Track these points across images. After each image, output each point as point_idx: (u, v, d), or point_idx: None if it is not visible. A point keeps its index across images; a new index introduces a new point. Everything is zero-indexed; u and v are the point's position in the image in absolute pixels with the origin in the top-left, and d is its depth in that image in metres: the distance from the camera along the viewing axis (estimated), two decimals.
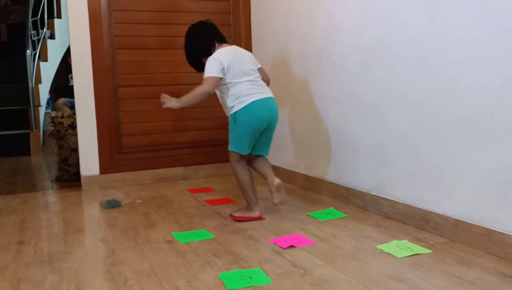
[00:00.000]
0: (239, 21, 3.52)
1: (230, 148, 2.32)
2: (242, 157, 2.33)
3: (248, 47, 3.56)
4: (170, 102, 2.30)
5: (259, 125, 2.28)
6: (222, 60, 2.26)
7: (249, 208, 2.37)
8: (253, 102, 2.25)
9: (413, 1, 2.08)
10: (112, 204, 2.67)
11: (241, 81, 2.27)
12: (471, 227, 1.88)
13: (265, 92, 2.32)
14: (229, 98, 2.29)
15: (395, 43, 2.20)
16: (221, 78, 2.26)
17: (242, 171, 2.34)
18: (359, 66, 2.45)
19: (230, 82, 2.28)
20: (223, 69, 2.25)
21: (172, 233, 2.17)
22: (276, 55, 3.24)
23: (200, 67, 2.39)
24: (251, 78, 2.30)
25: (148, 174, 3.33)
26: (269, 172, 2.37)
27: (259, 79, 2.35)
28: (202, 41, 2.40)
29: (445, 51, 1.95)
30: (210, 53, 2.33)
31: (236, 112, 2.27)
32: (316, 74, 2.82)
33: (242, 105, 2.25)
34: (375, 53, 2.33)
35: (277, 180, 2.30)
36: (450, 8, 1.91)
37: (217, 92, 2.37)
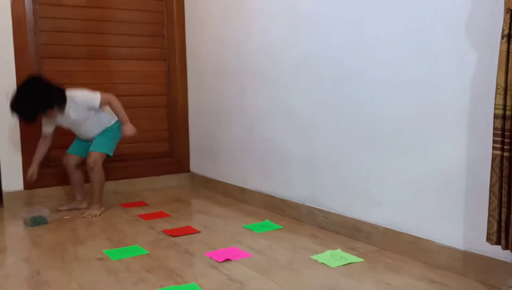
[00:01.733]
0: (173, 33, 3.48)
1: (105, 150, 2.76)
2: None
3: (182, 59, 3.53)
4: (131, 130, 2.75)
5: None
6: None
7: (98, 204, 2.80)
8: None
9: (342, 19, 2.16)
10: (37, 221, 2.52)
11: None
12: (399, 235, 1.96)
13: None
14: (106, 114, 2.78)
15: (325, 58, 2.27)
16: None
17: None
18: (291, 80, 2.50)
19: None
20: None
21: (103, 250, 2.08)
22: (211, 68, 3.23)
23: (37, 118, 2.61)
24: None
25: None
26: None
27: None
28: (53, 89, 2.60)
29: (370, 66, 2.04)
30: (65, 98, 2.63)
31: (116, 121, 2.78)
32: (250, 88, 2.84)
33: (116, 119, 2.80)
34: (306, 68, 2.39)
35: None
36: (375, 27, 2.00)
37: (90, 113, 2.70)
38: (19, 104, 2.49)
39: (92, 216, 2.69)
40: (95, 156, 2.73)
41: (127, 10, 3.30)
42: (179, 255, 2.01)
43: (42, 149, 2.78)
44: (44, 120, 2.75)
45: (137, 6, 3.33)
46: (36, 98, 2.52)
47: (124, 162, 3.34)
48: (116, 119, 2.78)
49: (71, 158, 2.86)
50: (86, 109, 2.67)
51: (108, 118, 2.79)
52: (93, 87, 3.20)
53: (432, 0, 1.78)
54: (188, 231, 2.35)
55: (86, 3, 3.17)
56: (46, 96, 2.55)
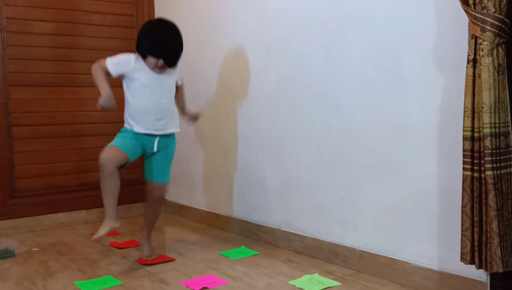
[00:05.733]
0: None
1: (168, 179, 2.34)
2: None
3: None
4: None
5: None
6: None
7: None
8: None
9: (313, 43, 2.21)
10: (3, 254, 2.43)
11: None
12: (375, 258, 1.97)
13: None
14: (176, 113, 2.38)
15: (297, 82, 2.31)
16: None
17: None
18: (265, 104, 2.53)
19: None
20: None
21: (75, 282, 2.01)
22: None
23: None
24: None
25: (46, 219, 3.09)
26: None
27: None
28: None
29: (342, 90, 2.08)
30: None
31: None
32: (224, 111, 2.85)
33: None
34: (280, 92, 2.42)
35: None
36: (344, 50, 2.06)
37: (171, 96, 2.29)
38: (179, 43, 2.18)
39: (151, 258, 2.29)
40: (166, 188, 2.35)
41: (97, 37, 3.28)
42: (154, 284, 1.97)
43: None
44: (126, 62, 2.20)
45: (107, 33, 3.32)
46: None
47: (95, 190, 3.26)
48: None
49: (119, 155, 2.10)
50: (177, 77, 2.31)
51: (176, 120, 2.33)
52: (62, 115, 3.17)
53: (398, 24, 1.84)
54: (163, 259, 2.30)
55: (55, 31, 3.14)
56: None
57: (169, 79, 2.25)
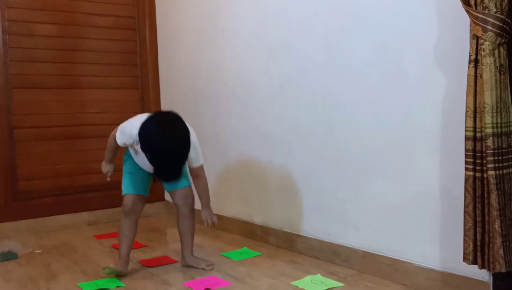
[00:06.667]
0: (146, 61, 3.49)
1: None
2: None
3: (155, 87, 3.53)
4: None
5: None
6: None
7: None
8: None
9: (316, 43, 2.21)
10: (6, 257, 2.43)
11: None
12: (378, 258, 1.97)
13: None
14: None
15: (299, 81, 2.31)
16: None
17: None
18: (266, 104, 2.53)
19: None
20: None
21: (78, 283, 2.01)
22: (185, 94, 3.24)
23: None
24: None
25: (49, 221, 3.10)
26: None
27: None
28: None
29: (344, 91, 2.08)
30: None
31: None
32: (225, 112, 2.85)
33: None
34: (281, 91, 2.42)
35: None
36: (347, 51, 2.05)
37: None
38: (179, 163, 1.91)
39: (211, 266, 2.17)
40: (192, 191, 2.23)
41: (99, 39, 3.29)
42: (157, 285, 1.97)
43: (116, 150, 2.16)
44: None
45: (109, 35, 3.33)
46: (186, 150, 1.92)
47: (97, 192, 3.27)
48: None
49: (141, 201, 2.14)
50: None
51: None
52: (65, 116, 3.18)
53: (399, 24, 1.84)
54: (165, 261, 2.31)
55: (58, 33, 3.14)
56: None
57: None
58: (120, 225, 2.14)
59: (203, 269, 2.14)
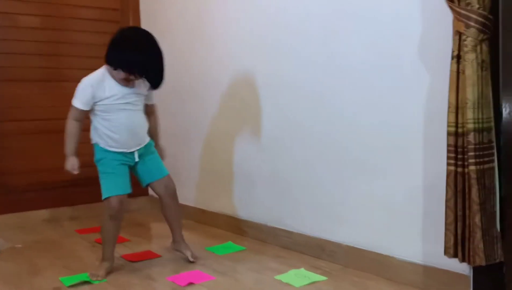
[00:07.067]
0: None
1: None
2: None
3: None
4: None
5: None
6: None
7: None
8: None
9: (314, 41, 2.18)
10: None
11: None
12: (362, 253, 1.98)
13: None
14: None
15: (297, 78, 2.26)
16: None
17: None
18: (263, 100, 2.50)
19: None
20: None
21: (60, 278, 2.00)
22: (171, 90, 3.21)
23: None
24: None
25: (31, 215, 3.06)
26: None
27: None
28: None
29: (342, 89, 2.06)
30: None
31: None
32: (213, 108, 2.84)
33: None
34: (279, 87, 2.39)
35: None
36: (346, 50, 2.03)
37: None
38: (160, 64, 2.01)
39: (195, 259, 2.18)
40: (172, 179, 2.20)
41: (84, 32, 3.25)
42: (140, 280, 1.96)
43: (78, 134, 2.05)
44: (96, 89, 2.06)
45: (94, 28, 3.28)
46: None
47: (80, 186, 3.24)
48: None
49: (125, 201, 2.07)
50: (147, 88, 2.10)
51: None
52: (49, 109, 3.13)
53: (391, 22, 1.85)
54: (149, 255, 2.30)
55: (41, 25, 3.10)
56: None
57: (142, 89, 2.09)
58: (104, 228, 2.06)
59: (187, 258, 2.14)
